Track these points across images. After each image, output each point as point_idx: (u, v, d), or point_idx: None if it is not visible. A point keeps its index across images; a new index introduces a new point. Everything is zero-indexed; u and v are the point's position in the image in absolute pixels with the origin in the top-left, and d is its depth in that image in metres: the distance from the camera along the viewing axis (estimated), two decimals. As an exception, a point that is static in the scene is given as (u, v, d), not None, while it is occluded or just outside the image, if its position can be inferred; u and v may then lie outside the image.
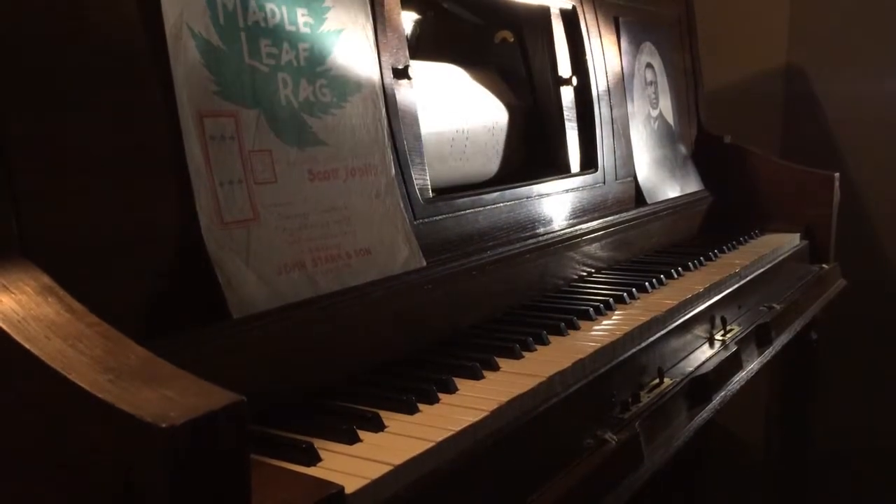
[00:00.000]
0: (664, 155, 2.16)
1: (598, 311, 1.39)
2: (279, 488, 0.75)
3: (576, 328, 1.31)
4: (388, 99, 1.27)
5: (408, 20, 1.62)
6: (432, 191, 1.36)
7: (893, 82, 2.59)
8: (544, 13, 1.76)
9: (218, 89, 1.02)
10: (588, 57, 1.85)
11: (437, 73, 1.58)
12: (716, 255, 1.92)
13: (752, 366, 1.63)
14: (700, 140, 2.43)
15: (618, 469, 1.11)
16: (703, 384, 1.39)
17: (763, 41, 2.76)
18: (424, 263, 1.24)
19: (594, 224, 1.73)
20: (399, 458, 0.84)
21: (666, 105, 2.22)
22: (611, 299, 1.44)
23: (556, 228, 1.63)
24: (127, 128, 0.92)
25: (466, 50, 1.81)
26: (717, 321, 1.59)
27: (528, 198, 1.57)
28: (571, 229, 1.65)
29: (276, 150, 1.08)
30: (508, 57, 1.81)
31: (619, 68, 1.99)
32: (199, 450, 0.62)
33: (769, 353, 1.72)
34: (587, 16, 1.87)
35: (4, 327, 0.69)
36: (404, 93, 1.32)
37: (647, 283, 1.58)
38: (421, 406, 0.99)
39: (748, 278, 1.79)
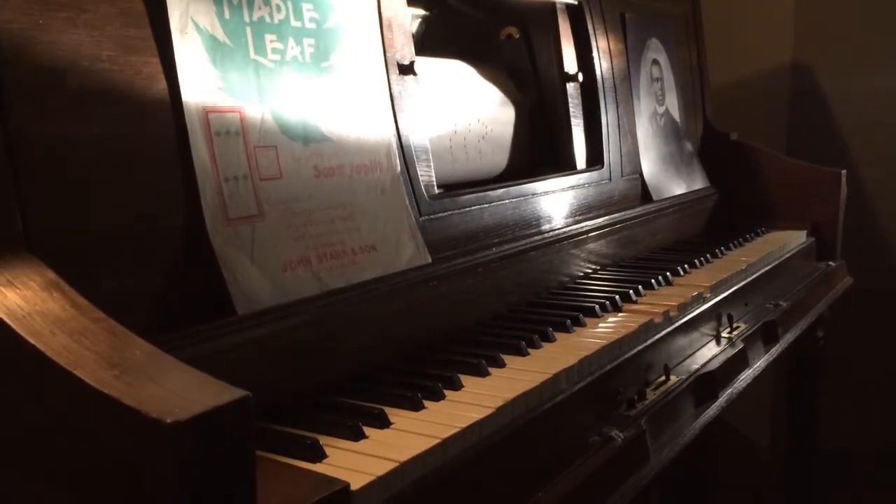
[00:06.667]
0: (670, 152, 2.16)
1: (604, 309, 1.39)
2: (284, 484, 0.75)
3: (582, 325, 1.31)
4: (394, 95, 1.27)
5: (413, 16, 1.62)
6: (438, 187, 1.35)
7: (901, 79, 2.58)
8: (550, 9, 1.76)
9: (223, 85, 1.02)
10: (594, 53, 1.84)
11: (443, 70, 1.58)
12: (722, 253, 1.92)
13: (759, 363, 1.62)
14: (706, 137, 2.42)
15: (624, 466, 1.11)
16: (709, 382, 1.38)
17: (770, 37, 2.75)
18: (430, 260, 1.24)
19: (600, 221, 1.73)
20: (404, 455, 0.84)
21: (672, 102, 2.21)
22: (617, 296, 1.44)
23: (562, 225, 1.62)
24: (131, 123, 0.92)
25: (472, 46, 1.80)
26: (724, 319, 1.59)
27: (533, 194, 1.57)
28: (577, 226, 1.65)
29: (281, 146, 1.07)
30: (514, 53, 1.80)
31: (625, 64, 1.98)
32: (204, 446, 0.61)
33: (776, 350, 1.72)
34: (593, 11, 1.86)
35: (9, 322, 0.69)
36: (410, 89, 1.31)
37: (652, 281, 1.57)
38: (426, 403, 0.99)
39: (754, 276, 1.79)
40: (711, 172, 2.34)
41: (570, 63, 1.78)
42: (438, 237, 1.30)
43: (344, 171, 1.16)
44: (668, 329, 1.37)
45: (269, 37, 1.08)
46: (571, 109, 1.77)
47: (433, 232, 1.29)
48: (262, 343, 0.98)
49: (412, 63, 1.32)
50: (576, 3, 1.81)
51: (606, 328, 1.29)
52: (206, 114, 0.99)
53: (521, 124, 1.72)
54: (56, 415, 0.68)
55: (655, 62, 2.14)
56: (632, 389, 1.23)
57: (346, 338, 1.10)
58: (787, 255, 2.03)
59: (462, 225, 1.37)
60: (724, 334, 1.57)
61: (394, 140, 1.25)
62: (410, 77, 1.31)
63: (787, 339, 1.79)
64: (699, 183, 2.27)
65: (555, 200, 1.63)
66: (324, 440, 0.86)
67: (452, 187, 1.45)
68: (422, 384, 1.02)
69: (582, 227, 1.66)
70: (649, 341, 1.30)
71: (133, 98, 0.92)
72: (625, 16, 2.00)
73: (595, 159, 1.82)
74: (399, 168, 1.25)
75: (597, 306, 1.38)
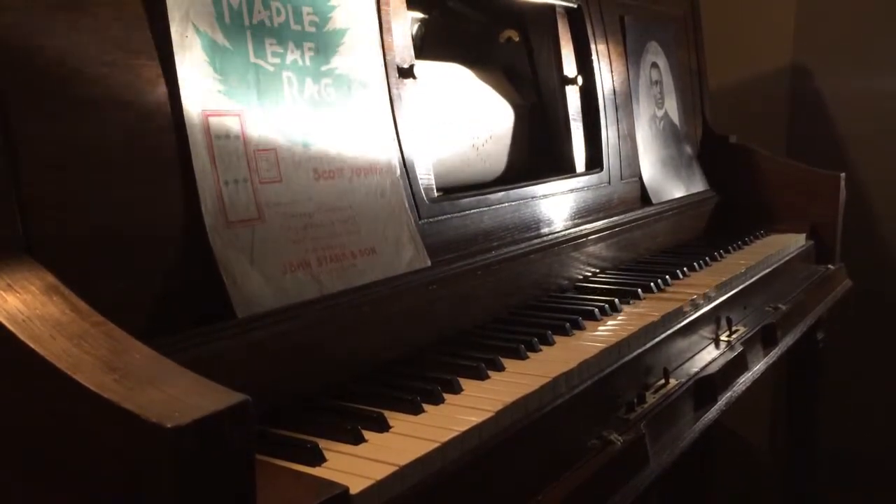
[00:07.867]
0: (669, 155, 2.16)
1: (604, 312, 1.39)
2: (284, 488, 0.75)
3: (581, 328, 1.31)
4: (394, 98, 1.27)
5: (413, 19, 1.62)
6: (438, 190, 1.35)
7: (900, 82, 2.59)
8: (549, 12, 1.76)
9: (223, 88, 1.02)
10: (593, 56, 1.85)
11: (443, 73, 1.58)
12: (721, 256, 1.92)
13: (758, 366, 1.62)
14: (705, 140, 2.42)
15: (623, 470, 1.11)
16: (708, 385, 1.39)
17: (769, 40, 2.75)
18: (429, 263, 1.24)
19: (599, 224, 1.73)
20: (404, 459, 0.84)
21: (671, 105, 2.21)
22: (616, 300, 1.44)
23: (561, 228, 1.63)
24: (132, 127, 0.92)
25: (471, 49, 1.80)
26: (723, 322, 1.59)
27: (532, 198, 1.57)
28: (576, 229, 1.65)
29: (281, 149, 1.07)
30: (514, 56, 1.80)
31: (625, 68, 1.99)
32: (204, 450, 0.62)
33: (775, 353, 1.72)
34: (592, 15, 1.87)
35: (10, 327, 0.69)
36: (409, 92, 1.31)
37: (652, 284, 1.57)
38: (426, 406, 0.99)
39: (754, 279, 1.79)
40: (711, 175, 2.34)
41: (570, 66, 1.79)
42: (438, 240, 1.30)
43: (344, 173, 1.16)
44: (668, 332, 1.37)
45: (268, 40, 1.09)
46: (571, 112, 1.77)
47: (433, 235, 1.29)
48: (262, 346, 0.98)
49: (412, 66, 1.32)
50: (575, 6, 1.81)
51: (606, 331, 1.30)
52: (207, 117, 0.99)
53: (521, 127, 1.72)
54: (56, 418, 0.68)
55: (654, 65, 2.14)
56: (631, 393, 1.23)
57: (345, 341, 1.10)
58: (787, 258, 2.03)
59: (461, 228, 1.37)
60: (724, 337, 1.57)
61: (393, 143, 1.25)
62: (410, 80, 1.32)
63: (787, 342, 1.80)
64: (698, 186, 2.27)
65: (554, 203, 1.63)
66: (323, 444, 0.86)
67: (452, 190, 1.45)
68: (421, 387, 1.02)
69: (581, 231, 1.66)
70: (649, 345, 1.30)
71: (133, 101, 0.92)
72: (624, 19, 2.01)
73: (594, 162, 1.82)
74: (399, 171, 1.25)
75: (596, 309, 1.38)
